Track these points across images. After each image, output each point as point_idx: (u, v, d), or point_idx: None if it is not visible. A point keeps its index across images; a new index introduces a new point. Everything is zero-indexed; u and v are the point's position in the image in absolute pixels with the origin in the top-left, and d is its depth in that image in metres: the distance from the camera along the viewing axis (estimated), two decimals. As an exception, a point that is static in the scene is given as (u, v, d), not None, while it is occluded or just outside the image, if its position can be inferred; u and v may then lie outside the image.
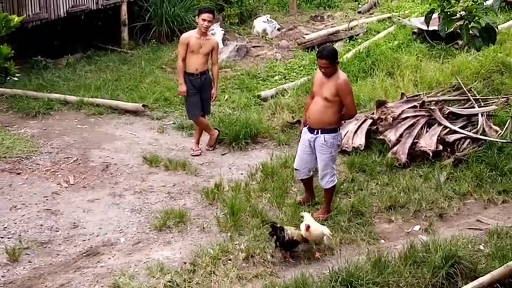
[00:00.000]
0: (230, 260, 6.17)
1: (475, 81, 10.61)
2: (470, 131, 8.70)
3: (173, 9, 13.57)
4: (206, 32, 8.55)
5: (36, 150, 8.57)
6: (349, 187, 7.78)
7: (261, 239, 6.50)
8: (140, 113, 10.12)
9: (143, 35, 13.70)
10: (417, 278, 5.80)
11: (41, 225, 6.81)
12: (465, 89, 9.91)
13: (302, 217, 6.54)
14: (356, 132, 8.90)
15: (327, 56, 6.65)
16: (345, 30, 13.74)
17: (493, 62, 11.20)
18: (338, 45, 12.73)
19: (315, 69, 7.35)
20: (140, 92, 10.87)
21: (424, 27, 11.61)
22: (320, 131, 6.81)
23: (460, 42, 11.86)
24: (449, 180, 7.95)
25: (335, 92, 6.68)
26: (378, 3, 16.29)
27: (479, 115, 9.02)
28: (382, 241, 6.76)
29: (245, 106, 10.43)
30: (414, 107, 9.27)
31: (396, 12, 15.04)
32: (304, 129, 7.03)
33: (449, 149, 8.44)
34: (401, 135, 8.66)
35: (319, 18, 15.38)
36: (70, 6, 12.21)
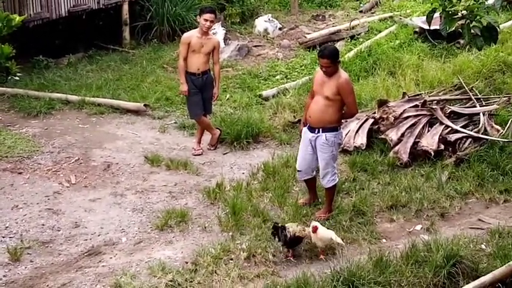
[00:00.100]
0: (232, 259, 6.17)
1: (477, 80, 10.60)
2: (471, 131, 8.69)
3: (174, 9, 13.57)
4: (207, 32, 8.54)
5: (37, 150, 8.58)
6: (350, 186, 7.77)
7: (263, 239, 6.49)
8: (142, 113, 10.12)
9: (145, 34, 13.72)
10: (419, 278, 5.79)
11: (43, 224, 6.82)
12: (467, 88, 9.90)
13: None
14: (357, 131, 8.90)
15: (328, 55, 6.65)
16: (347, 30, 13.73)
17: (494, 61, 11.20)
18: (339, 45, 12.73)
19: (317, 68, 7.35)
20: (141, 92, 10.87)
21: (426, 27, 11.59)
22: (320, 129, 6.81)
23: (462, 42, 11.84)
24: (450, 180, 7.94)
25: (336, 91, 6.67)
26: (379, 2, 16.28)
27: (481, 114, 9.01)
28: (384, 240, 6.76)
29: (246, 105, 10.43)
30: (416, 106, 9.26)
31: (397, 11, 15.02)
32: (305, 129, 7.03)
33: (450, 149, 8.43)
34: (402, 135, 8.66)
35: (320, 17, 15.37)
36: (71, 5, 12.21)
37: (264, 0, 16.44)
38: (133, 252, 6.38)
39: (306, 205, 7.26)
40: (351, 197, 7.52)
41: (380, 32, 13.42)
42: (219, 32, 13.03)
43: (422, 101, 9.30)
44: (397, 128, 8.77)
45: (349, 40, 13.26)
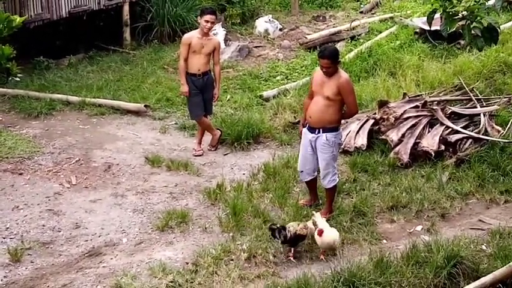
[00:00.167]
0: (232, 260, 6.18)
1: (477, 81, 10.60)
2: (472, 131, 8.69)
3: (175, 10, 13.58)
4: (208, 33, 8.55)
5: (38, 151, 8.58)
6: (351, 187, 7.77)
7: (263, 239, 6.50)
8: (142, 114, 10.12)
9: (145, 35, 13.72)
10: (420, 278, 5.79)
11: (43, 225, 6.82)
12: (467, 88, 9.89)
13: (313, 215, 6.51)
14: (358, 132, 8.89)
15: (329, 55, 6.65)
16: (347, 30, 13.72)
17: (495, 62, 11.19)
18: (339, 45, 12.71)
19: (315, 69, 7.39)
20: (142, 93, 10.87)
21: (426, 27, 11.59)
22: (321, 130, 6.81)
23: (462, 42, 11.84)
24: (451, 180, 7.94)
25: (336, 91, 6.68)
26: (380, 3, 16.26)
27: (481, 115, 9.01)
28: (384, 241, 6.76)
29: (247, 106, 10.43)
30: (417, 107, 9.26)
31: (398, 12, 15.01)
32: (304, 130, 7.03)
33: (451, 149, 8.43)
34: (403, 135, 8.66)
35: (321, 18, 15.36)
36: (72, 6, 12.23)
37: (264, 1, 16.44)
38: (133, 253, 6.39)
39: (307, 206, 7.26)
40: (352, 198, 7.52)
41: (380, 32, 13.41)
42: (219, 32, 13.03)
43: (422, 101, 9.30)
44: (398, 128, 8.77)
45: (349, 41, 13.25)
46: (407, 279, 5.77)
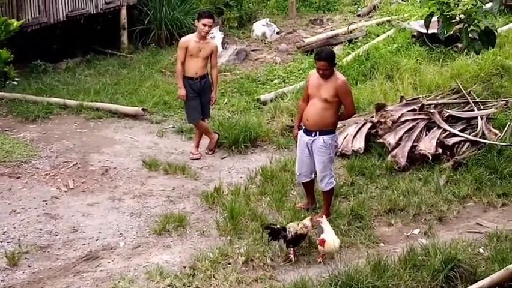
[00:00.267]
0: (229, 263, 6.17)
1: (474, 84, 10.62)
2: (469, 134, 8.70)
3: (172, 13, 13.58)
4: (205, 36, 8.55)
5: (35, 155, 8.57)
6: (348, 190, 7.77)
7: (261, 243, 6.49)
8: (140, 117, 10.11)
9: (143, 38, 13.73)
10: (417, 282, 5.79)
11: (41, 229, 6.81)
12: (464, 92, 9.91)
13: (321, 222, 6.47)
14: (355, 135, 8.90)
15: (325, 58, 6.65)
16: (345, 34, 13.75)
17: (492, 65, 11.23)
18: (337, 49, 12.74)
19: (310, 71, 7.40)
20: (139, 96, 10.87)
21: (423, 31, 11.60)
22: (318, 132, 6.81)
23: (459, 46, 11.87)
24: (448, 184, 7.95)
25: (334, 93, 6.68)
26: (377, 6, 16.30)
27: (479, 118, 9.03)
28: (382, 244, 6.76)
29: (244, 110, 10.43)
30: (414, 110, 9.27)
31: (395, 15, 15.04)
32: (301, 133, 7.03)
33: (448, 152, 8.44)
34: (400, 139, 8.67)
35: (318, 21, 15.37)
36: (70, 10, 12.23)
37: (262, 4, 16.46)
38: (131, 256, 6.37)
39: (304, 209, 7.26)
40: (349, 201, 7.52)
41: (377, 36, 13.44)
42: (217, 36, 13.04)
43: (420, 105, 9.31)
44: (395, 132, 8.78)
45: (347, 44, 13.27)
46: (405, 283, 5.76)
